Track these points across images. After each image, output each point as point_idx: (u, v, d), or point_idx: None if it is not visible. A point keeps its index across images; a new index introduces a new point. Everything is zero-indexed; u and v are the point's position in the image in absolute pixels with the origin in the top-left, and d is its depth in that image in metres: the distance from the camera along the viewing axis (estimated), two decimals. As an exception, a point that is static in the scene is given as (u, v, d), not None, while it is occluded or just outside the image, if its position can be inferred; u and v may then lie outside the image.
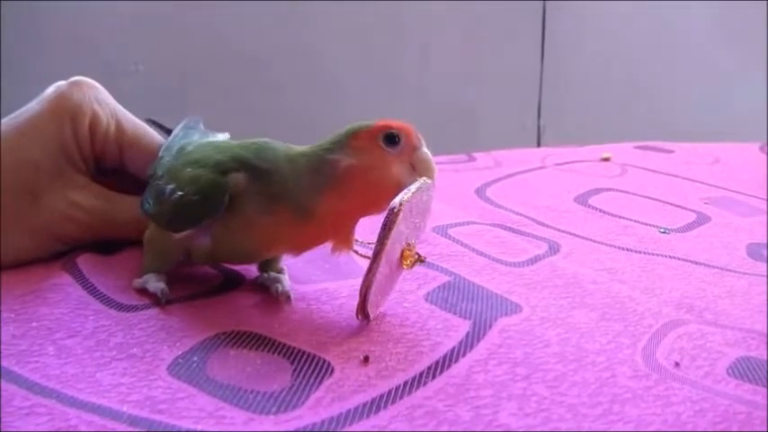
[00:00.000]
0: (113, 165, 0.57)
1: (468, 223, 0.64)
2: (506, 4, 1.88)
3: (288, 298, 0.48)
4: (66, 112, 0.54)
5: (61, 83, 0.55)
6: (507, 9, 1.88)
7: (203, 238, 0.47)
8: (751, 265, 0.59)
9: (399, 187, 0.45)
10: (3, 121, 0.54)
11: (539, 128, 1.96)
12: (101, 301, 0.47)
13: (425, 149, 0.48)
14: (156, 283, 0.48)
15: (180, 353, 0.41)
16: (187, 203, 0.46)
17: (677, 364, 0.42)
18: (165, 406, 0.37)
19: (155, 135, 0.58)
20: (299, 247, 0.49)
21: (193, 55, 1.63)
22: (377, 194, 0.46)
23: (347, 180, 0.45)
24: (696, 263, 0.59)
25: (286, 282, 0.49)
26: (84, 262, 0.53)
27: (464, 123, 1.91)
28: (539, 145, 1.89)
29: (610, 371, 0.41)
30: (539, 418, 0.37)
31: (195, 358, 0.41)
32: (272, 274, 0.50)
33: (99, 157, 0.55)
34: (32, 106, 0.54)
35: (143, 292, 0.48)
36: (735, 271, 0.58)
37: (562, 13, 1.92)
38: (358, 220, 0.48)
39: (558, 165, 0.90)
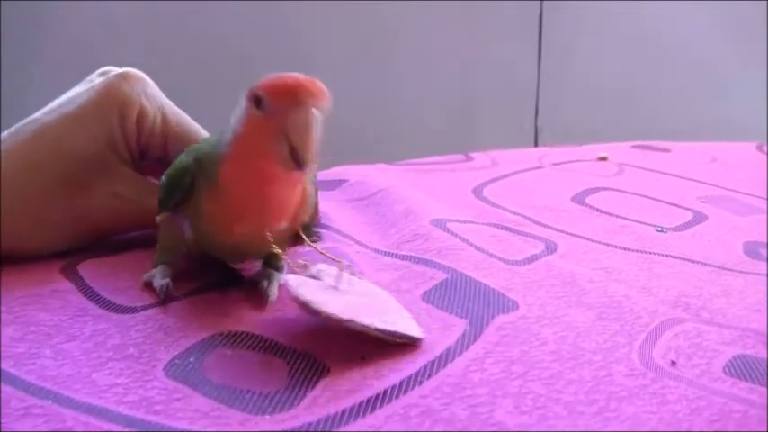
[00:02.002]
0: (157, 156, 0.57)
1: (465, 222, 0.64)
2: (503, 5, 1.88)
3: (267, 298, 0.47)
4: (114, 104, 0.54)
5: (110, 73, 0.56)
6: (504, 10, 1.88)
7: (187, 230, 0.48)
8: (748, 264, 0.59)
9: (274, 160, 0.42)
10: (49, 107, 0.55)
11: (536, 128, 1.95)
12: (100, 306, 0.47)
13: (307, 110, 0.41)
14: (160, 280, 0.48)
15: (176, 353, 0.41)
16: (161, 185, 0.49)
17: (673, 363, 0.42)
18: (161, 407, 0.37)
19: (199, 129, 0.58)
20: (224, 229, 0.47)
21: (193, 56, 1.64)
22: (256, 167, 0.43)
23: (235, 149, 0.44)
24: (693, 261, 0.59)
25: (275, 280, 0.49)
26: (85, 268, 0.53)
27: (461, 124, 1.91)
28: (536, 145, 1.89)
29: (606, 369, 0.41)
30: (535, 416, 0.37)
31: (191, 359, 0.41)
32: (269, 270, 0.50)
33: (144, 149, 0.56)
34: (81, 95, 0.55)
35: (147, 287, 0.49)
36: (731, 270, 0.58)
37: (559, 13, 1.92)
38: (261, 200, 0.45)
39: (555, 164, 0.90)
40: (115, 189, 0.54)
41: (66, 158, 0.53)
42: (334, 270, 0.47)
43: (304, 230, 0.50)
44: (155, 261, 0.50)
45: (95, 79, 0.56)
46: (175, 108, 0.58)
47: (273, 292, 0.48)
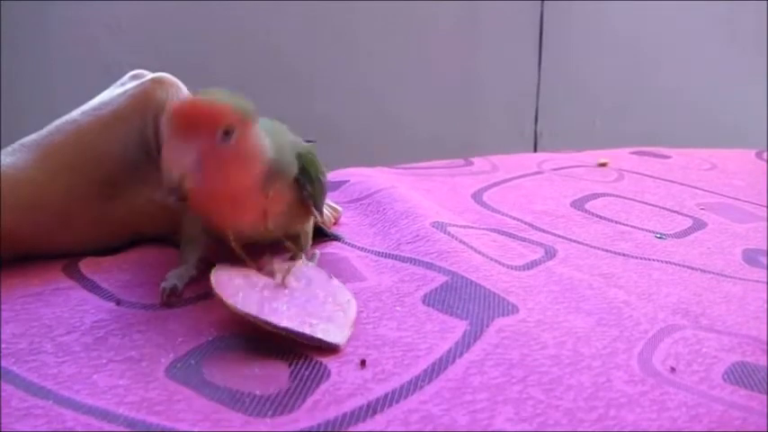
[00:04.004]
0: None
1: (465, 227, 0.64)
2: (504, 10, 1.88)
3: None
4: (149, 109, 0.55)
5: (144, 78, 0.56)
6: (504, 14, 1.88)
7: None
8: (747, 271, 0.59)
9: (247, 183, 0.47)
10: (85, 108, 0.55)
11: (536, 133, 1.96)
12: (101, 297, 0.48)
13: None
14: (170, 281, 0.48)
15: (178, 356, 0.41)
16: None
17: (673, 370, 0.42)
18: (161, 408, 0.37)
19: None
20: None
21: (194, 56, 1.64)
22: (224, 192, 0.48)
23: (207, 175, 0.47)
24: (692, 268, 0.59)
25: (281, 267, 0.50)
26: (87, 266, 0.53)
27: (462, 128, 1.91)
28: (536, 151, 1.89)
29: (605, 375, 0.41)
30: (534, 423, 0.37)
31: (192, 361, 0.41)
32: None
33: None
34: (115, 99, 0.55)
35: (152, 289, 0.49)
36: (731, 276, 0.58)
37: (559, 18, 1.92)
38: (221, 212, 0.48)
39: (554, 170, 0.90)
40: (148, 193, 0.55)
41: (101, 161, 0.54)
42: (314, 272, 0.50)
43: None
44: (179, 259, 0.51)
45: (127, 82, 0.57)
46: None
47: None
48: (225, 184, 0.46)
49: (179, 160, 0.44)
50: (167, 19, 1.65)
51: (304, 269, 0.50)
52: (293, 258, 0.54)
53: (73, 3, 1.59)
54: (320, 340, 0.43)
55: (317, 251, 0.57)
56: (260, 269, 0.48)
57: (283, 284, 0.47)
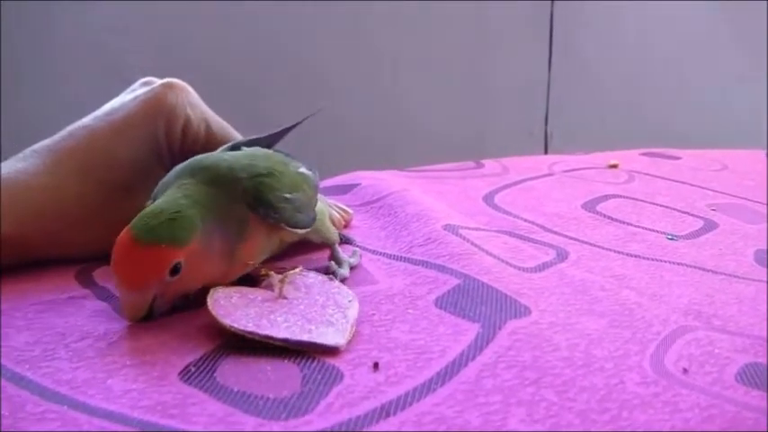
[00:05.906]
0: None
1: (476, 229, 0.64)
2: (514, 11, 1.88)
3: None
4: (161, 114, 0.56)
5: (155, 83, 0.57)
6: (514, 15, 1.89)
7: None
8: (759, 272, 0.59)
9: None
10: (97, 114, 0.56)
11: (546, 134, 1.95)
12: (115, 306, 0.48)
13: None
14: None
15: (191, 359, 0.41)
16: None
17: (685, 371, 0.42)
18: (176, 411, 0.37)
19: (238, 136, 0.59)
20: None
21: (203, 58, 1.64)
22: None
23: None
24: (704, 269, 0.59)
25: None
26: (100, 275, 0.53)
27: (472, 130, 1.91)
28: (546, 152, 1.89)
29: (618, 377, 0.41)
30: (547, 424, 0.37)
31: (206, 365, 0.41)
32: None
33: (187, 157, 0.56)
34: (126, 104, 0.56)
35: None
36: (742, 277, 0.58)
37: (570, 17, 1.92)
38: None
39: (565, 172, 0.90)
40: None
41: (113, 166, 0.54)
42: (313, 278, 0.50)
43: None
44: None
45: (138, 89, 0.57)
46: (216, 116, 0.59)
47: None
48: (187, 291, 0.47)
49: (136, 309, 0.45)
50: (175, 21, 1.66)
51: (302, 276, 0.50)
52: (333, 255, 0.56)
53: (79, 3, 1.60)
54: (318, 345, 0.43)
55: (358, 249, 0.58)
56: (258, 283, 0.49)
57: (281, 296, 0.47)
